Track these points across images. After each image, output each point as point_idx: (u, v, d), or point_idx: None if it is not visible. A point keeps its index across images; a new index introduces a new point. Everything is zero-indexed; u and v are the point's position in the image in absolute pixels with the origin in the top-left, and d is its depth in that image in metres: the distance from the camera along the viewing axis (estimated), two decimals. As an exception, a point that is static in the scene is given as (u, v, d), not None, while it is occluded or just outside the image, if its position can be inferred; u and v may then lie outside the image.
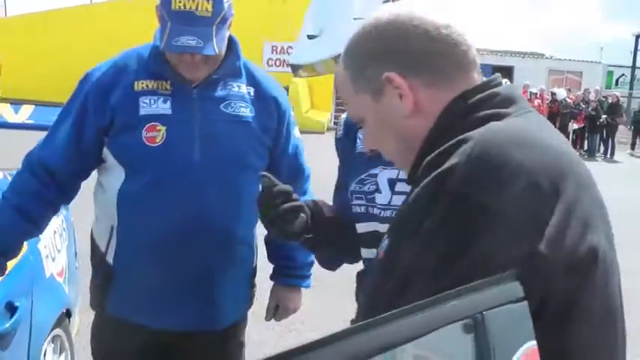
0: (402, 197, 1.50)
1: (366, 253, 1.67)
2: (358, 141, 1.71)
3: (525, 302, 0.77)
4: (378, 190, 1.62)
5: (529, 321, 0.76)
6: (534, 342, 0.75)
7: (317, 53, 1.52)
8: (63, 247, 3.09)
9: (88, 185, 2.14)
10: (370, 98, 1.10)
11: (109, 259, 2.05)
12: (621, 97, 21.89)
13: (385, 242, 1.02)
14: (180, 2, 1.85)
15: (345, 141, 1.75)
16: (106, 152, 2.01)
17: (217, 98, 2.01)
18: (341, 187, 1.76)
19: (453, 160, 0.91)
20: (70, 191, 2.10)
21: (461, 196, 0.88)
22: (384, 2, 1.46)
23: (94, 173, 2.11)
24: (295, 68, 1.64)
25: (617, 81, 31.83)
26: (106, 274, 2.07)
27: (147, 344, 2.07)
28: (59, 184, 2.04)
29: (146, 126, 1.95)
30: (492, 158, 0.90)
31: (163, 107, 1.96)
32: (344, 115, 1.80)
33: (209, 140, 1.98)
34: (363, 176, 1.66)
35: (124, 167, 1.99)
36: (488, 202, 0.87)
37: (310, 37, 1.53)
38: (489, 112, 1.01)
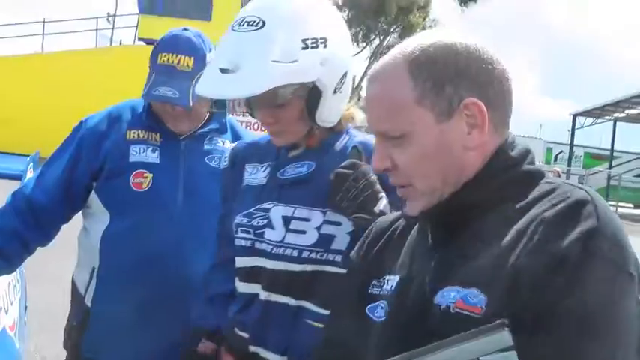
0: (297, 235, 1.56)
1: (244, 287, 1.65)
2: (246, 174, 1.72)
3: (514, 351, 0.83)
4: (269, 226, 1.60)
5: None
6: None
7: (232, 91, 1.52)
8: (15, 300, 3.01)
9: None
10: (433, 117, 1.04)
11: (87, 301, 2.10)
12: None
13: (480, 297, 0.97)
14: (165, 57, 2.05)
15: (231, 173, 1.77)
16: (93, 197, 2.11)
17: (203, 151, 2.13)
18: (225, 221, 1.75)
19: (590, 223, 0.94)
20: (50, 233, 2.15)
21: (609, 260, 0.93)
22: (302, 49, 1.49)
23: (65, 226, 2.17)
24: (202, 98, 1.63)
25: (555, 157, 33.02)
26: (83, 315, 2.11)
27: None
28: (41, 224, 2.09)
29: (134, 172, 2.05)
30: (615, 223, 0.97)
31: (152, 156, 2.09)
32: (229, 147, 1.86)
33: (192, 190, 2.08)
34: (251, 210, 1.64)
35: (109, 211, 2.08)
36: (626, 264, 0.95)
37: (223, 70, 1.49)
38: (535, 168, 1.07)
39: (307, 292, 1.57)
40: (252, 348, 1.62)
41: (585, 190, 1.00)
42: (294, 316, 1.58)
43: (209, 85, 1.54)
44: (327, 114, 1.59)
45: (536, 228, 0.96)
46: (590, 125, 30.67)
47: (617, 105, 25.93)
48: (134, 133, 2.10)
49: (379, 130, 1.08)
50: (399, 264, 1.14)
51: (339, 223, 1.55)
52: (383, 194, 1.53)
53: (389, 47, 29.53)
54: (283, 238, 1.58)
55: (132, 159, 2.07)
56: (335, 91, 1.57)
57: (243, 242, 1.64)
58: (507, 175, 1.05)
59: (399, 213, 1.25)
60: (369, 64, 30.78)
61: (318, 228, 1.56)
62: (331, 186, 1.53)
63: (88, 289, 2.11)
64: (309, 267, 1.56)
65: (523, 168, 1.07)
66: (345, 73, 1.59)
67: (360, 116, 1.71)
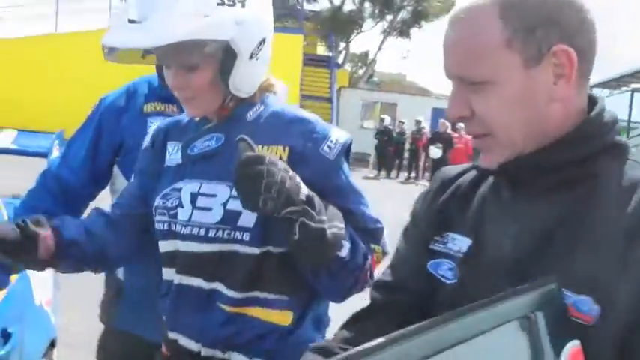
0: (203, 213, 1.47)
1: (165, 273, 1.59)
2: (167, 154, 1.62)
3: (565, 305, 0.85)
4: (180, 205, 1.52)
5: (570, 322, 0.85)
6: (578, 341, 0.83)
7: (138, 40, 1.42)
8: (50, 276, 3.08)
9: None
10: (521, 61, 0.96)
11: (120, 274, 2.15)
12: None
13: (593, 307, 0.89)
14: None
15: (151, 152, 1.67)
16: (117, 173, 2.14)
17: None
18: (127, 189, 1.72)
19: None
20: (79, 211, 2.17)
21: None
22: (217, 5, 1.43)
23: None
24: (111, 50, 1.51)
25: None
26: (116, 289, 2.17)
27: (149, 356, 2.10)
28: (71, 203, 2.12)
29: None
30: None
31: None
32: (153, 127, 1.75)
33: None
34: (167, 190, 1.57)
35: None
36: None
37: (131, 21, 1.42)
38: (624, 141, 1.01)
39: (218, 273, 1.50)
40: (172, 334, 1.57)
41: None
42: (207, 300, 1.51)
43: (115, 35, 1.46)
44: (241, 81, 1.52)
45: None
46: (607, 97, 30.30)
47: (634, 75, 25.55)
48: (151, 105, 2.12)
49: (460, 75, 1.01)
50: (468, 224, 1.07)
51: None
52: (297, 176, 1.41)
53: (402, 22, 29.60)
54: (190, 217, 1.50)
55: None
56: (251, 57, 1.51)
57: (161, 226, 1.56)
58: (599, 142, 0.99)
59: (467, 165, 1.16)
60: (383, 40, 30.63)
61: (224, 204, 1.48)
62: (242, 194, 1.38)
63: None
64: (217, 247, 1.48)
65: (614, 138, 1.00)
66: (264, 40, 1.53)
67: (280, 87, 1.63)
